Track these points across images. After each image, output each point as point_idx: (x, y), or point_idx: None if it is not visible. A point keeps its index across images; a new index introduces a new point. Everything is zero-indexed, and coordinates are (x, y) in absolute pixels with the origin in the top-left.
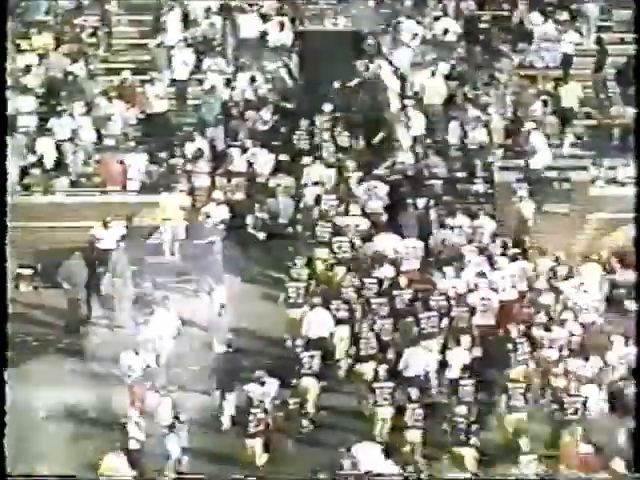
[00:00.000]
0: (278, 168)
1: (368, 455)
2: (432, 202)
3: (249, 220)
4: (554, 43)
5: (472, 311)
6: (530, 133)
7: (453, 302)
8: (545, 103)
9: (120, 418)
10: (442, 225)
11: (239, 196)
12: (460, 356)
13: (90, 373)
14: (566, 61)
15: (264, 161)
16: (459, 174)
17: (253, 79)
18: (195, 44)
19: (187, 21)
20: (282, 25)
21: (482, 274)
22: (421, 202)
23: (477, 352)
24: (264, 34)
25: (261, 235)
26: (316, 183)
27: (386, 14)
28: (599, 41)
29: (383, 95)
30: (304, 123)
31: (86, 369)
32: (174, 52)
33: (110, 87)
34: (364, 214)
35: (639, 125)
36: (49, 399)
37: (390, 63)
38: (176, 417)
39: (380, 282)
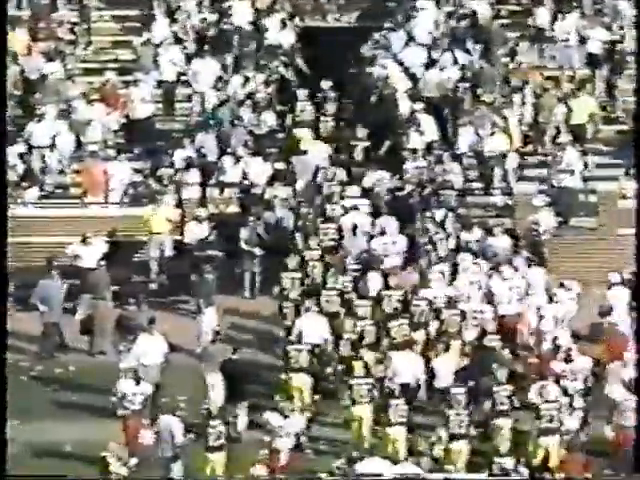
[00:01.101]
0: (275, 178)
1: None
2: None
3: (243, 235)
4: (578, 41)
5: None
6: (565, 150)
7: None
8: (568, 106)
9: (100, 452)
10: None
11: (232, 209)
12: (448, 364)
13: (67, 403)
14: (593, 61)
15: (259, 170)
16: (475, 184)
17: (247, 79)
18: (184, 41)
19: (175, 17)
20: (284, 23)
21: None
22: (439, 214)
23: (465, 361)
24: (261, 29)
25: (257, 251)
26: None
27: (395, 8)
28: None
29: (391, 97)
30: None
31: (63, 399)
32: (161, 50)
33: (90, 89)
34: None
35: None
36: (22, 432)
37: (399, 63)
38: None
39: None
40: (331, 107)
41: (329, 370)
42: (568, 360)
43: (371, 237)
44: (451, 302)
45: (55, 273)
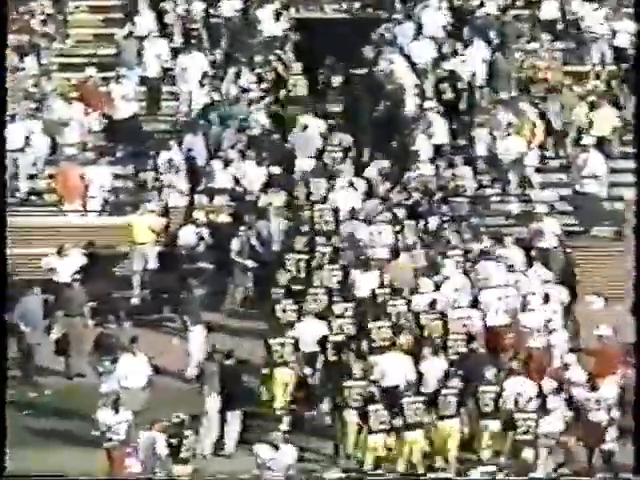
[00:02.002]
0: (269, 184)
1: None
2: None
3: (235, 246)
4: (605, 34)
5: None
6: (589, 154)
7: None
8: (592, 105)
9: None
10: (467, 252)
11: (223, 217)
12: (436, 368)
13: (43, 431)
14: (620, 56)
15: (253, 176)
16: (489, 190)
17: (238, 75)
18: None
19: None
20: (278, 14)
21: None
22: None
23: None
24: (254, 21)
25: (250, 263)
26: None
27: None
28: None
29: (397, 95)
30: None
31: (39, 426)
32: (145, 44)
33: (67, 86)
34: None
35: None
36: None
37: (406, 57)
38: None
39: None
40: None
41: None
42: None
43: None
44: (432, 306)
45: (37, 289)
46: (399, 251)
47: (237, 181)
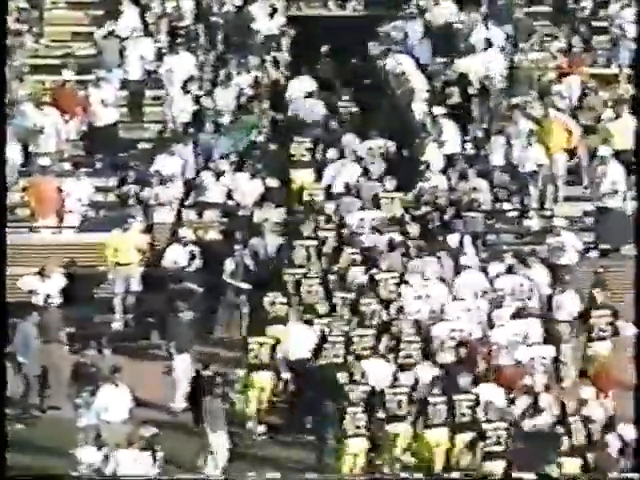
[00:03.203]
0: (265, 198)
1: None
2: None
3: (227, 266)
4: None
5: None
6: (607, 165)
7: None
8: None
9: None
10: (484, 271)
11: (214, 235)
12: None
13: (14, 468)
14: None
15: (246, 189)
16: (506, 205)
17: (229, 77)
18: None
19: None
20: (274, 11)
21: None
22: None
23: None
24: (248, 19)
25: (244, 285)
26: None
27: None
28: None
29: (405, 99)
30: (300, 138)
31: (9, 463)
32: (128, 44)
33: (42, 90)
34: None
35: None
36: None
37: (416, 59)
38: None
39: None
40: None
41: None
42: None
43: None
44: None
45: (35, 314)
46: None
47: (229, 195)
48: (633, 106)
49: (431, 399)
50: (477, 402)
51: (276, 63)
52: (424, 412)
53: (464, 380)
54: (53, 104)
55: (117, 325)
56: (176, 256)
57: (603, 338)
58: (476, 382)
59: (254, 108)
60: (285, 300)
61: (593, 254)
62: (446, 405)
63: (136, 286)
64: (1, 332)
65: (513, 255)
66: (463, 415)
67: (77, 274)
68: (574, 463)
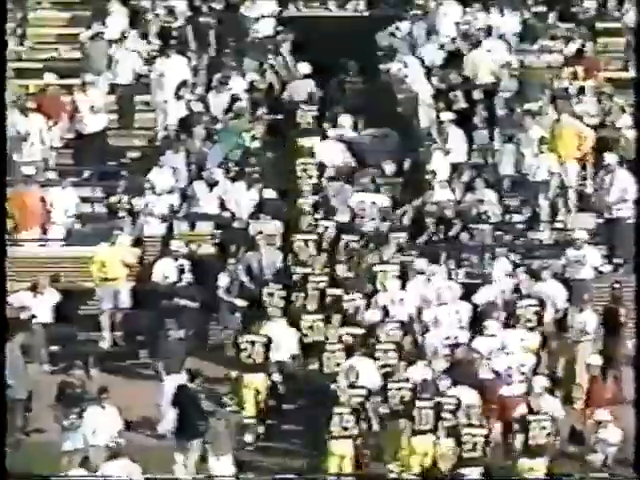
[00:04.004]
0: (261, 209)
1: None
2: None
3: (222, 281)
4: None
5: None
6: (614, 172)
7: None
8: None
9: None
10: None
11: (207, 248)
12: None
13: None
14: None
15: (241, 199)
16: (516, 216)
17: (223, 82)
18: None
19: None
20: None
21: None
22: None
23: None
24: (245, 20)
25: (239, 302)
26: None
27: None
28: None
29: (410, 105)
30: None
31: None
32: (116, 47)
33: (25, 95)
34: None
35: None
36: None
37: (421, 61)
38: None
39: None
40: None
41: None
42: None
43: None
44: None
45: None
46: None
47: (223, 206)
48: (634, 112)
49: (419, 403)
50: (458, 406)
51: (272, 67)
52: (411, 417)
53: (444, 383)
54: (37, 110)
55: (104, 344)
56: (167, 271)
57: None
58: (455, 384)
59: (245, 113)
60: (284, 294)
61: (607, 268)
62: (433, 410)
63: (124, 302)
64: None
65: (525, 270)
66: (445, 419)
67: (62, 289)
68: None
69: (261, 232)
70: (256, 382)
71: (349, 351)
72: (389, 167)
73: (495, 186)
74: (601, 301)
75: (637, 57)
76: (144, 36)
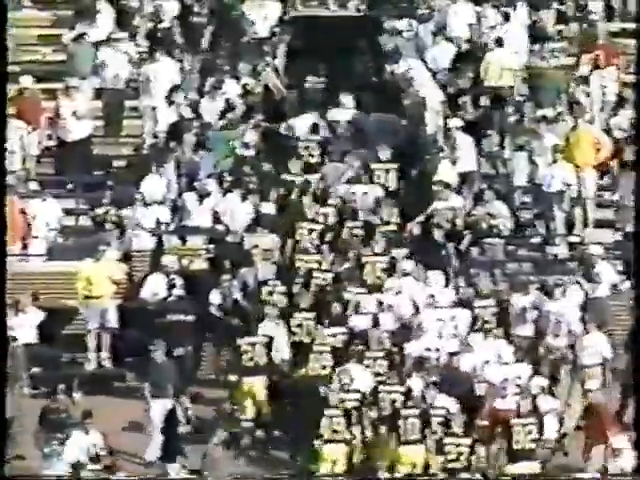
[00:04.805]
0: (257, 222)
1: None
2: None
3: (214, 299)
4: None
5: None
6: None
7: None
8: None
9: None
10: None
11: (199, 264)
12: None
13: None
14: None
15: (236, 212)
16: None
17: (217, 86)
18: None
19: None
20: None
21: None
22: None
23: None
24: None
25: (234, 321)
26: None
27: None
28: None
29: (416, 111)
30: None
31: None
32: (103, 49)
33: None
34: None
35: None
36: None
37: (426, 64)
38: None
39: None
40: None
41: None
42: None
43: None
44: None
45: (19, 349)
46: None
47: (217, 218)
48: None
49: (404, 412)
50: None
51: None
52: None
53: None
54: (16, 116)
55: (90, 365)
56: (157, 287)
57: None
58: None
59: (239, 120)
60: (284, 289)
61: (625, 286)
62: (420, 419)
63: (111, 321)
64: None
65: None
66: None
67: (45, 308)
68: None
69: (257, 246)
70: (257, 385)
71: (337, 355)
72: (384, 152)
73: (507, 198)
74: (619, 322)
75: (637, 58)
76: (132, 37)
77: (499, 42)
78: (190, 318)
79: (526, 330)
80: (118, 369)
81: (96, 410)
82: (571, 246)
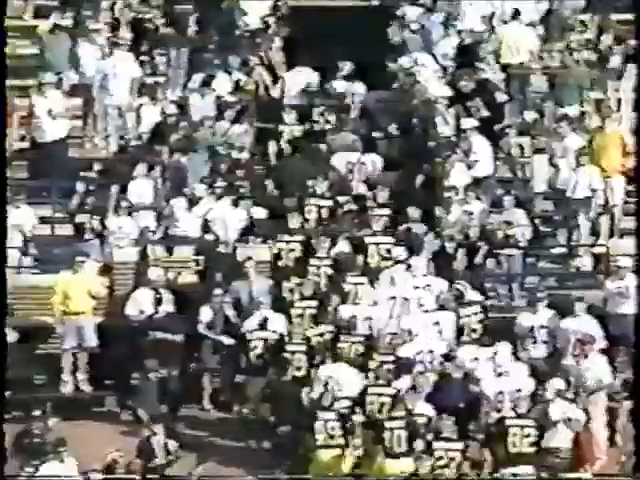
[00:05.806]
0: (250, 231)
1: None
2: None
3: (204, 315)
4: None
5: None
6: None
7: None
8: None
9: None
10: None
11: (188, 277)
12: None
13: None
14: None
15: (228, 220)
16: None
17: (207, 83)
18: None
19: None
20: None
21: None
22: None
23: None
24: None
25: (225, 339)
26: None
27: None
28: None
29: (426, 110)
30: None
31: None
32: (80, 42)
33: None
34: None
35: None
36: None
37: (436, 59)
38: None
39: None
40: None
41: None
42: None
43: None
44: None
45: None
46: None
47: (207, 227)
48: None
49: (387, 424)
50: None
51: (262, 64)
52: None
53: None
54: None
55: (65, 388)
56: (142, 303)
57: None
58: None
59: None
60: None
61: None
62: (406, 431)
63: (90, 340)
64: None
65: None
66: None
67: (17, 326)
68: None
69: (250, 258)
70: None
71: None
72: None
73: (526, 204)
74: None
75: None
76: (114, 29)
77: (515, 15)
78: (178, 338)
79: (540, 350)
80: (96, 392)
81: (71, 437)
82: (595, 258)
